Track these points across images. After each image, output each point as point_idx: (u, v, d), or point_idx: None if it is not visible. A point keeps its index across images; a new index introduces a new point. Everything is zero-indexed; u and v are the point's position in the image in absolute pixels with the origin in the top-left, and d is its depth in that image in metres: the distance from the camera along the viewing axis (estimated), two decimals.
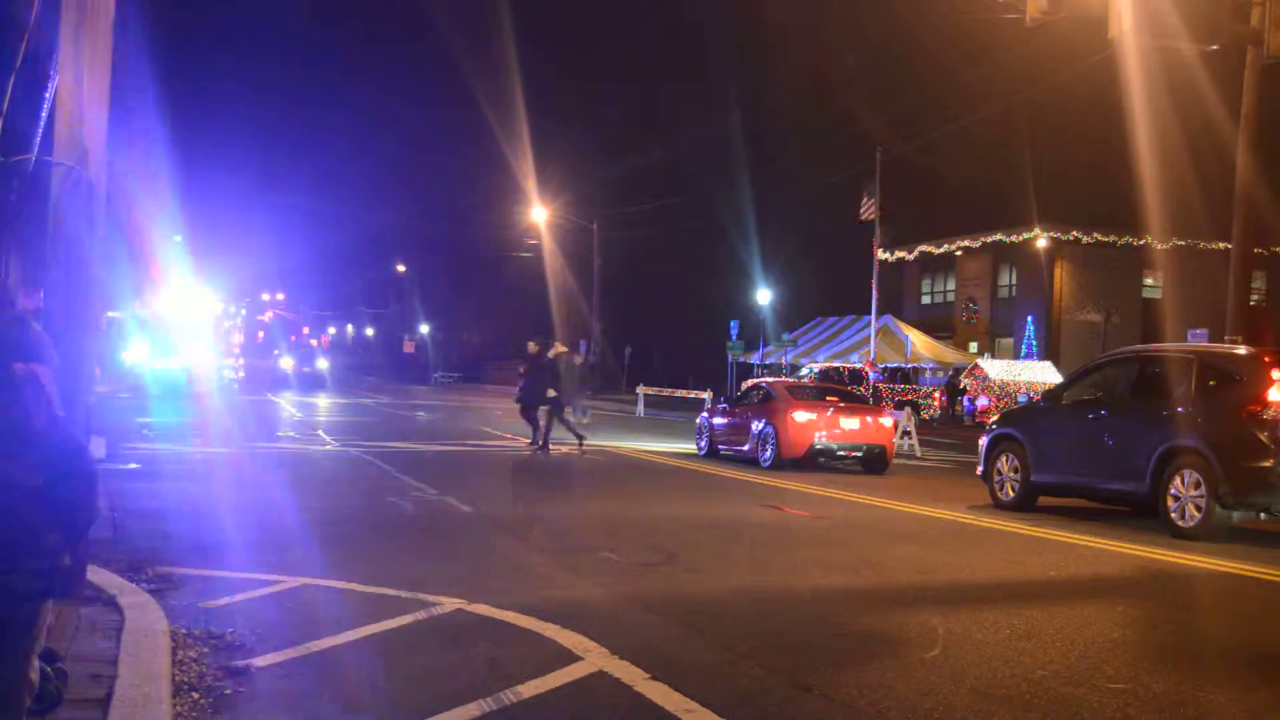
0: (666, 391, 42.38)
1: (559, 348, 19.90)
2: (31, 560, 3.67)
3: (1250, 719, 5.30)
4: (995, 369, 38.92)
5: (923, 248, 51.87)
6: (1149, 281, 48.68)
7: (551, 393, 18.81)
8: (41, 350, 3.94)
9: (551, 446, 19.05)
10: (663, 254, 62.43)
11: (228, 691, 5.05)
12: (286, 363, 56.64)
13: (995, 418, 16.69)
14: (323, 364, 56.23)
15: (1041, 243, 45.83)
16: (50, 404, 3.82)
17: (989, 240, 48.64)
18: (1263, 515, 11.15)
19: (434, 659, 5.79)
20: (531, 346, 19.98)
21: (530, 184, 52.90)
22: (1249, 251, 18.50)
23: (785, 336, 46.98)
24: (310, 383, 49.01)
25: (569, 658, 5.76)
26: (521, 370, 20.17)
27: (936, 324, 50.94)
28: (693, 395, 40.22)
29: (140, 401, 22.36)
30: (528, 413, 19.42)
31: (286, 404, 33.45)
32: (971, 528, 11.77)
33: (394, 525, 10.49)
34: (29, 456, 3.70)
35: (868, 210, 36.72)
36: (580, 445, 19.51)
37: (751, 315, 48.34)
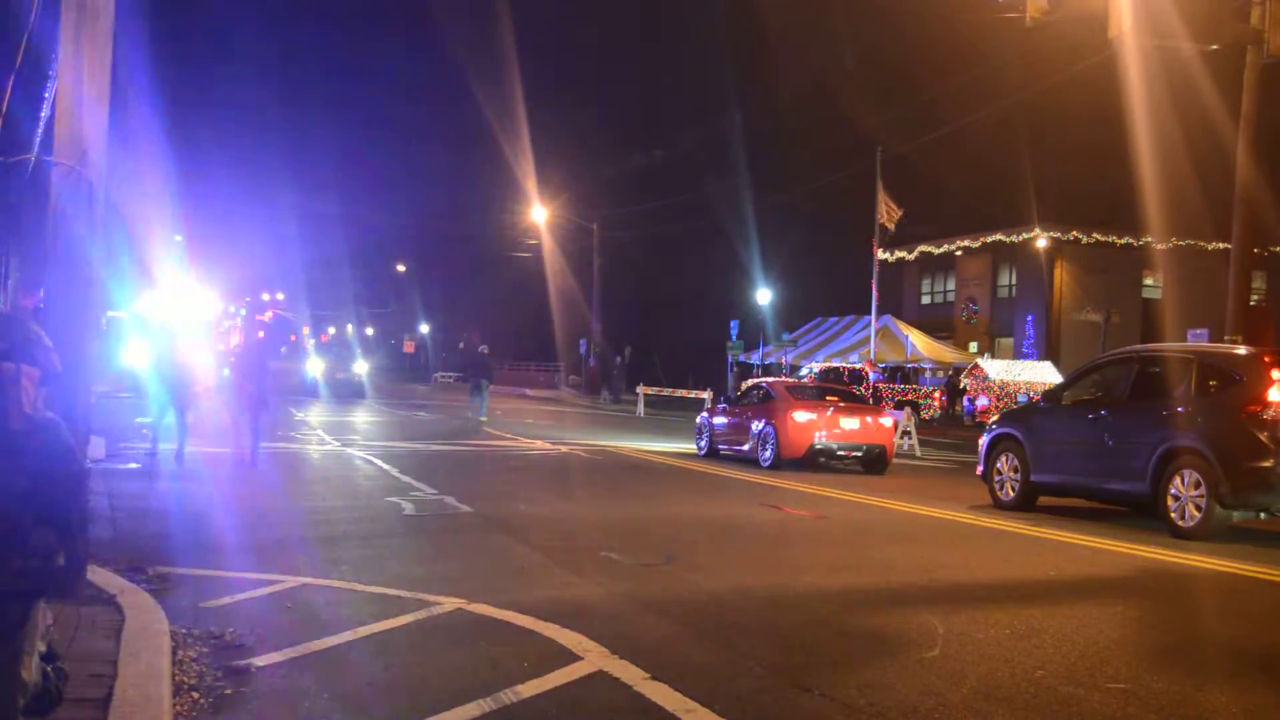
0: (666, 391, 42.37)
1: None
2: (17, 560, 3.65)
3: (1250, 719, 5.29)
4: (995, 369, 38.89)
5: (923, 248, 51.86)
6: (1149, 281, 48.67)
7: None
8: (35, 351, 3.91)
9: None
10: (663, 254, 62.51)
11: (228, 691, 5.05)
12: (315, 366, 44.97)
13: (995, 418, 16.70)
14: (361, 368, 45.46)
15: (1041, 243, 45.83)
16: (21, 405, 3.78)
17: (989, 240, 48.64)
18: (1263, 515, 11.15)
19: (434, 659, 5.78)
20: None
21: (530, 184, 52.88)
22: (1249, 251, 18.54)
23: (785, 336, 46.95)
24: (346, 391, 40.76)
25: (569, 657, 5.76)
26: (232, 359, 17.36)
27: (936, 324, 50.91)
28: (693, 395, 40.23)
29: (139, 401, 22.34)
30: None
31: (286, 405, 33.38)
32: (971, 528, 11.77)
33: (394, 525, 10.48)
34: (7, 459, 3.69)
35: (888, 215, 36.02)
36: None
37: (751, 315, 48.30)
